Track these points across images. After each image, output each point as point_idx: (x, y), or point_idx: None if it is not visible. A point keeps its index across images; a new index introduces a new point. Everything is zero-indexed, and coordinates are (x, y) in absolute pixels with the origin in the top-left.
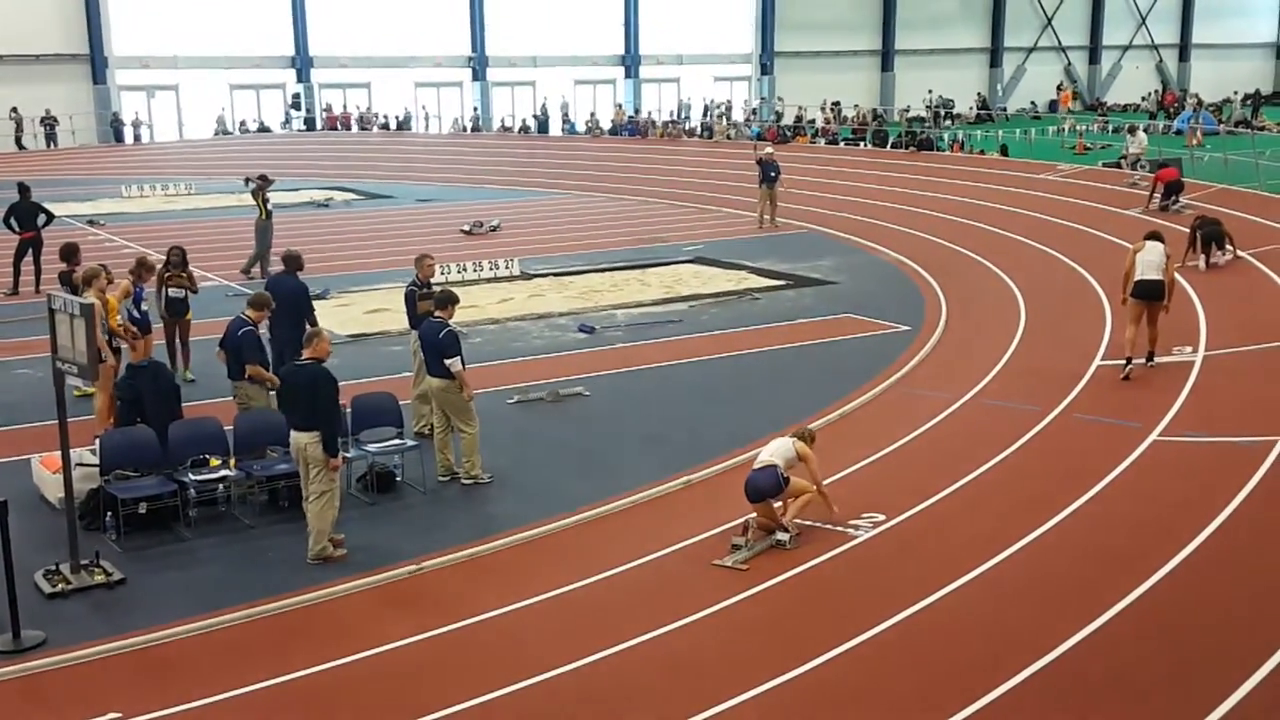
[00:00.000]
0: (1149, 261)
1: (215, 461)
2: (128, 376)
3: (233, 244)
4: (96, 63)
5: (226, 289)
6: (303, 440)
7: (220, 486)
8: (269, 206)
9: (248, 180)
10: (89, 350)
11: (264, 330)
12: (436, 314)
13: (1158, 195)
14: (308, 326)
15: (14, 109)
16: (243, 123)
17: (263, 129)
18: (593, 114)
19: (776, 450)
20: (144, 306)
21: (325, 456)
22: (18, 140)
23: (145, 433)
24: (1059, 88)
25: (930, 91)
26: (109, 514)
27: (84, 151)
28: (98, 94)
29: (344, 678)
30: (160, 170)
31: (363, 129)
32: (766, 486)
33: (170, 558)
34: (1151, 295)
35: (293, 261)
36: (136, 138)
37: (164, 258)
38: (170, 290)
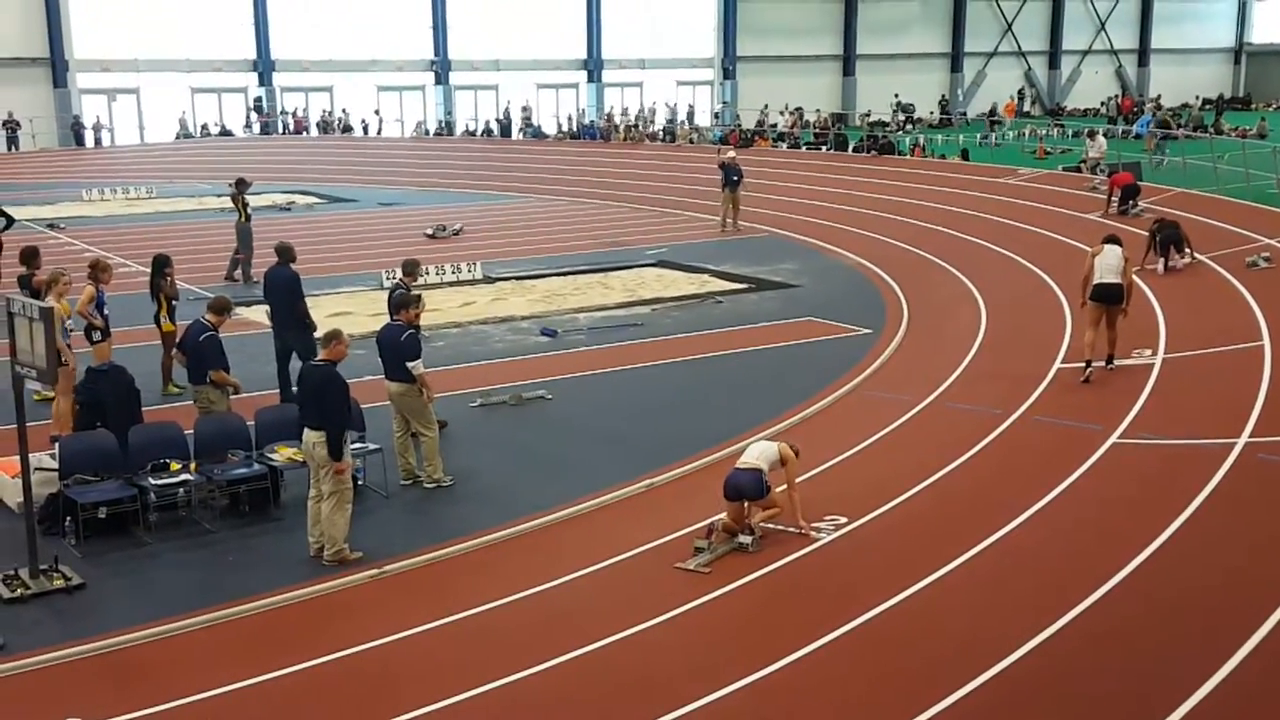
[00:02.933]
0: (1107, 265)
1: (176, 466)
2: (88, 380)
3: (195, 247)
4: (57, 66)
5: (189, 293)
6: (311, 439)
7: (181, 491)
8: (248, 209)
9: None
10: (48, 354)
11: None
12: (396, 317)
13: (1115, 199)
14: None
15: None
16: (204, 126)
17: (224, 132)
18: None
19: (761, 453)
20: (105, 311)
21: (330, 459)
22: None
23: (105, 437)
24: (1020, 94)
25: (896, 96)
26: (68, 519)
27: (44, 155)
28: (58, 97)
29: (309, 681)
30: (121, 174)
31: (323, 133)
32: (747, 488)
33: (130, 562)
34: (1110, 298)
35: (285, 253)
36: (97, 141)
37: (155, 265)
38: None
